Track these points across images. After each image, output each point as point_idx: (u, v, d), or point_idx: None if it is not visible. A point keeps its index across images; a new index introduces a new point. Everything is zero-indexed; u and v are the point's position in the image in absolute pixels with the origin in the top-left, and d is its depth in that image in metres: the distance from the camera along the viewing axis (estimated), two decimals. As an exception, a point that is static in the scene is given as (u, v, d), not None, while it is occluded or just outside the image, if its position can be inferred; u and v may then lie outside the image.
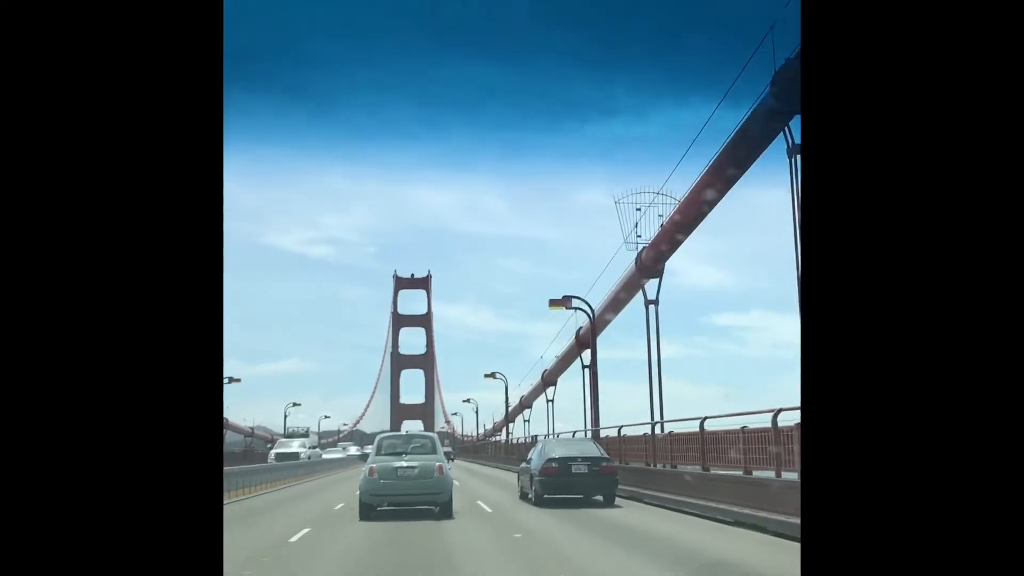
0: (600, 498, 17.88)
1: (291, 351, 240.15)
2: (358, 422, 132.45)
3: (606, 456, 18.70)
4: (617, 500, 17.93)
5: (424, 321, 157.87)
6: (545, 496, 17.80)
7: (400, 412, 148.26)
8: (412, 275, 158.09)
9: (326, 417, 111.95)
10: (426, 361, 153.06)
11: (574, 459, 17.95)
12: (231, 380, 55.08)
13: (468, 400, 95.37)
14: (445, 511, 14.84)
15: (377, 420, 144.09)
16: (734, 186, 26.48)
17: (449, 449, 69.60)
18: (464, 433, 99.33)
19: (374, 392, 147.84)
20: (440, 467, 15.22)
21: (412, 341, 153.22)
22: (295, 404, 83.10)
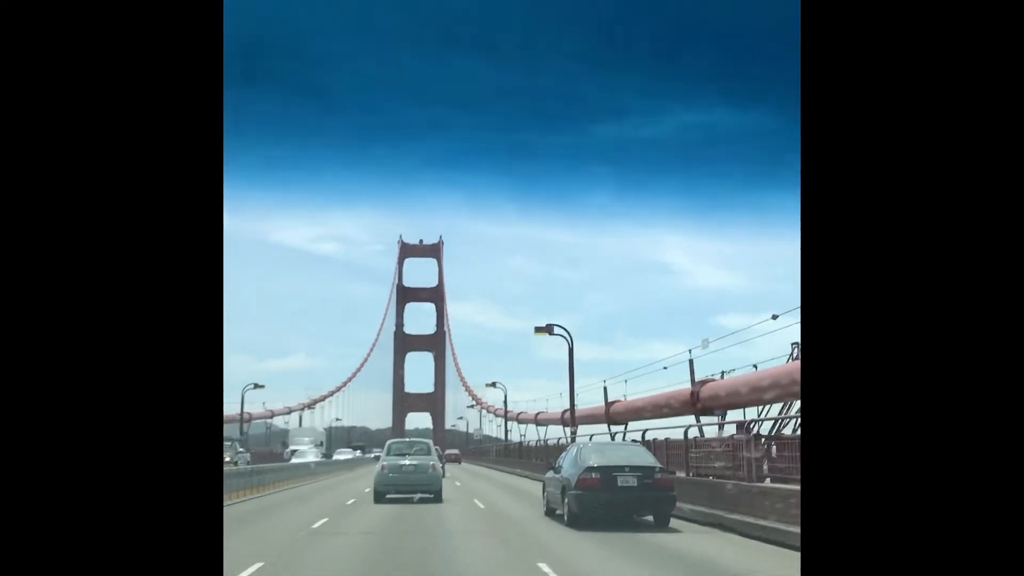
0: (650, 518, 13.92)
1: (299, 347, 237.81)
2: (313, 403, 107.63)
3: (660, 465, 14.63)
4: (675, 522, 13.96)
5: (434, 295, 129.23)
6: (583, 516, 13.75)
7: (404, 404, 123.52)
8: (421, 241, 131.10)
9: (337, 420, 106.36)
10: (435, 342, 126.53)
11: (620, 468, 13.85)
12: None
13: (473, 406, 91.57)
14: (437, 497, 20.12)
15: (378, 415, 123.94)
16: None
17: (456, 451, 70.15)
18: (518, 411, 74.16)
19: (351, 378, 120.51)
20: (433, 465, 20.46)
21: (418, 320, 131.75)
22: (309, 407, 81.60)
